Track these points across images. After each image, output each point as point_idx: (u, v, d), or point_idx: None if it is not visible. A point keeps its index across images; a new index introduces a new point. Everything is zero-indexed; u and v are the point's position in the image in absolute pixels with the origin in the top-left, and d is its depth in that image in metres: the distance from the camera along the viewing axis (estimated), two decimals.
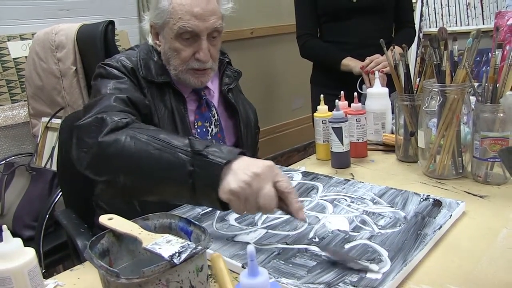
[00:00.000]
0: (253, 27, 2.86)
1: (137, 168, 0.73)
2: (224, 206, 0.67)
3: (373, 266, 0.62)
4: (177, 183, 0.69)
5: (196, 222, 0.59)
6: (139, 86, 0.98)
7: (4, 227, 0.55)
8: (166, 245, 0.51)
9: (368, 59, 1.51)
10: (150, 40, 1.06)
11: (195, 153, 0.67)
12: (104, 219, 0.59)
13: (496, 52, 0.89)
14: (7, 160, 1.78)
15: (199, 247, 0.51)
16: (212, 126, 1.08)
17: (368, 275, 0.60)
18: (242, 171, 0.64)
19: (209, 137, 1.07)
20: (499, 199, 0.85)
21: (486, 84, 0.89)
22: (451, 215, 0.75)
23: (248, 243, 0.72)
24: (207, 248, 0.53)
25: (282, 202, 0.66)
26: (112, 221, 0.59)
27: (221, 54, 1.11)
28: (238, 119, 1.13)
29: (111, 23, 1.53)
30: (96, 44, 1.52)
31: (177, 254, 0.49)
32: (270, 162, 0.66)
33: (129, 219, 0.60)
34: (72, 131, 0.84)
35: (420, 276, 0.62)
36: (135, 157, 0.73)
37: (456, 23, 2.73)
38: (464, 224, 0.76)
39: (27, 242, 0.57)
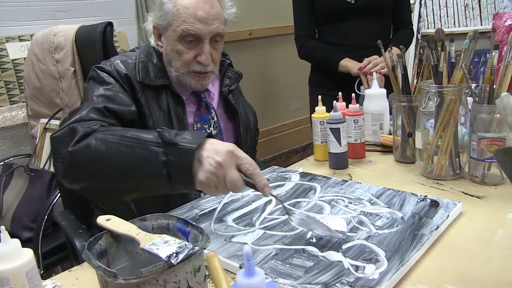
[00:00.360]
0: (251, 29, 2.87)
1: (112, 169, 0.75)
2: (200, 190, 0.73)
3: (336, 233, 0.70)
4: (153, 176, 0.72)
5: (194, 223, 0.59)
6: (132, 91, 0.98)
7: (2, 228, 0.55)
8: (164, 246, 0.52)
9: (366, 60, 1.51)
10: (152, 41, 1.07)
11: (166, 144, 0.71)
12: (102, 220, 0.59)
13: (493, 53, 0.89)
14: (6, 161, 1.78)
15: (197, 248, 0.51)
16: (211, 128, 1.08)
17: (365, 275, 0.60)
18: (207, 161, 0.69)
19: None
20: (496, 199, 0.85)
21: (483, 85, 0.89)
22: (448, 216, 0.76)
23: (245, 243, 0.72)
24: (205, 248, 0.53)
25: (249, 180, 0.71)
26: (110, 222, 0.59)
27: (222, 56, 1.11)
28: (238, 121, 1.13)
29: (110, 24, 1.53)
30: (95, 45, 1.52)
31: (174, 255, 0.49)
32: (231, 147, 0.70)
33: (126, 220, 0.60)
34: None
35: (417, 276, 0.62)
36: (108, 159, 0.75)
37: (454, 24, 2.74)
38: (461, 225, 0.77)
39: (25, 243, 0.58)
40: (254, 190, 0.72)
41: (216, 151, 0.70)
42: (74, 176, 0.80)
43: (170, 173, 0.71)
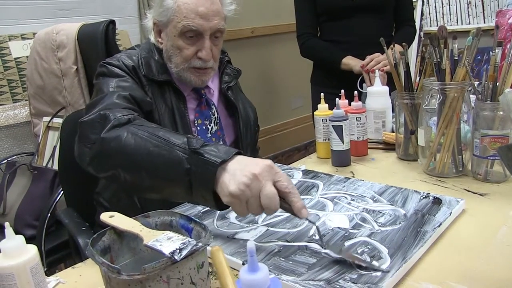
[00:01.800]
0: (253, 27, 2.87)
1: (136, 165, 0.73)
2: (220, 206, 0.66)
3: (375, 263, 0.62)
4: (175, 181, 0.68)
5: (197, 220, 0.59)
6: (141, 84, 0.99)
7: (7, 224, 0.56)
8: (167, 242, 0.52)
9: (368, 58, 1.51)
10: (152, 38, 1.07)
11: (192, 151, 0.67)
12: (105, 216, 0.60)
13: (496, 50, 0.89)
14: (9, 159, 1.79)
15: (200, 244, 0.51)
16: (212, 124, 1.09)
17: (368, 272, 0.60)
18: (241, 172, 0.62)
19: (209, 135, 1.08)
20: (498, 197, 0.85)
21: (486, 82, 0.89)
22: (451, 213, 0.76)
23: (248, 240, 0.72)
24: (208, 245, 0.53)
25: (284, 201, 0.64)
26: (113, 218, 0.59)
27: (221, 53, 1.12)
28: (238, 117, 1.14)
29: (112, 22, 1.54)
30: (97, 43, 1.53)
31: (178, 251, 0.49)
32: (268, 161, 0.64)
33: (130, 217, 0.61)
34: (65, 135, 0.84)
35: (420, 273, 0.62)
36: (135, 154, 0.73)
37: (457, 21, 2.73)
38: (464, 222, 0.77)
39: (29, 241, 0.58)
40: (287, 212, 0.65)
41: (251, 163, 0.64)
42: (101, 164, 0.79)
43: (191, 182, 0.66)
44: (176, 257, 0.49)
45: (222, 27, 1.02)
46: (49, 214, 1.41)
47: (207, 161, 0.65)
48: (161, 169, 0.70)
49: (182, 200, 0.76)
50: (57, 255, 1.47)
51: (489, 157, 0.90)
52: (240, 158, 0.66)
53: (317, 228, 0.68)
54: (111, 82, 0.95)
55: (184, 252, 0.49)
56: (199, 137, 0.72)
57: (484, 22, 2.63)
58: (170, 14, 0.99)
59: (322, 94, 1.17)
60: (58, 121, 1.74)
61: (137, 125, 0.78)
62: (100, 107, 0.85)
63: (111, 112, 0.82)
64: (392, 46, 1.11)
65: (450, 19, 2.74)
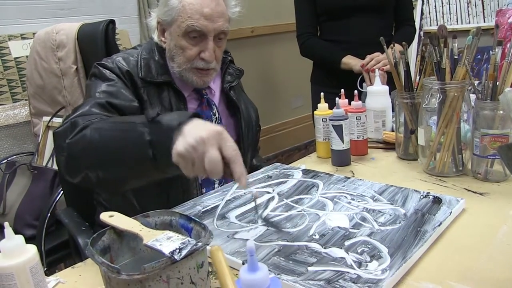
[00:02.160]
0: (253, 26, 2.86)
1: (105, 156, 0.74)
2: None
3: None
4: (141, 158, 0.69)
5: (197, 219, 0.59)
6: (134, 87, 0.99)
7: (6, 224, 0.55)
8: (167, 242, 0.52)
9: (368, 57, 1.51)
10: (155, 37, 1.07)
11: (150, 122, 0.68)
12: (105, 216, 0.60)
13: (496, 50, 0.89)
14: (9, 159, 1.78)
15: (200, 244, 0.51)
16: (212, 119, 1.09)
17: (368, 272, 0.60)
18: (190, 135, 0.64)
19: None
20: (499, 196, 0.85)
21: (486, 81, 0.89)
22: (451, 212, 0.76)
23: (248, 240, 0.72)
24: (208, 244, 0.53)
25: (228, 168, 0.65)
26: (113, 218, 0.59)
27: (224, 53, 1.12)
28: (239, 117, 1.14)
29: (112, 22, 1.53)
30: (97, 43, 1.52)
31: (177, 251, 0.49)
32: (219, 128, 0.66)
33: (129, 216, 0.61)
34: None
35: (420, 272, 0.62)
36: (102, 146, 0.74)
37: (457, 21, 2.73)
38: (464, 221, 0.77)
39: (28, 241, 0.58)
40: (229, 177, 0.67)
41: (202, 127, 0.65)
42: (73, 168, 0.80)
43: (154, 153, 0.67)
44: (176, 257, 0.49)
45: (226, 29, 1.02)
46: (49, 214, 1.41)
47: (165, 127, 0.67)
48: (127, 151, 0.71)
49: (155, 175, 0.74)
50: (57, 255, 1.47)
51: (489, 157, 0.90)
52: (196, 122, 0.67)
53: (255, 202, 0.74)
54: (100, 86, 0.96)
55: (184, 252, 0.49)
56: (154, 109, 0.73)
57: (484, 22, 2.63)
58: (175, 13, 0.99)
59: (322, 94, 1.16)
60: (58, 120, 1.74)
61: (100, 121, 0.79)
62: (73, 115, 0.87)
63: (81, 118, 0.83)
64: (392, 45, 1.11)
65: (450, 18, 2.74)
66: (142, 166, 0.70)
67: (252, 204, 0.86)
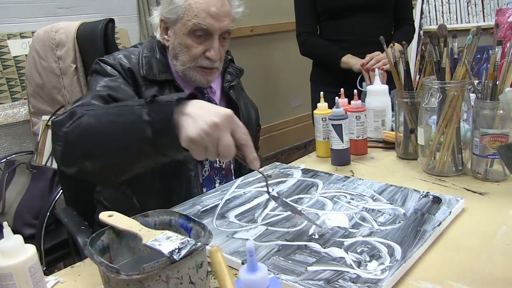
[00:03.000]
0: (253, 25, 2.86)
1: (103, 142, 0.72)
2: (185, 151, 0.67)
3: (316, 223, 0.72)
4: (140, 140, 0.67)
5: (196, 219, 0.59)
6: (135, 85, 0.99)
7: (5, 223, 0.55)
8: (166, 242, 0.52)
9: (368, 57, 1.51)
10: (158, 35, 1.07)
11: (148, 102, 0.67)
12: (104, 216, 0.59)
13: (496, 49, 0.89)
14: (8, 158, 1.78)
15: (199, 244, 0.51)
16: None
17: (367, 272, 0.60)
18: (202, 119, 0.63)
19: None
20: (498, 196, 0.85)
21: (486, 81, 0.89)
22: (450, 212, 0.76)
23: (247, 239, 0.72)
24: (207, 244, 0.53)
25: (239, 151, 0.66)
26: (112, 218, 0.59)
27: None
28: (239, 116, 1.14)
29: (111, 21, 1.53)
30: (96, 42, 1.52)
31: (177, 251, 0.49)
32: (229, 111, 0.65)
33: (129, 216, 0.60)
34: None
35: (420, 272, 0.62)
36: (99, 131, 0.72)
37: (457, 20, 2.73)
38: (464, 221, 0.76)
39: (28, 240, 0.58)
40: (241, 161, 0.68)
41: (213, 111, 0.64)
42: (69, 158, 0.78)
43: (154, 133, 0.65)
44: (175, 257, 0.49)
45: (231, 29, 1.02)
46: (48, 213, 1.41)
47: (164, 104, 0.66)
48: (125, 134, 0.69)
49: (155, 158, 0.72)
50: (56, 254, 1.47)
51: (488, 156, 0.90)
52: (199, 102, 0.66)
53: (267, 181, 0.75)
54: (101, 81, 0.95)
55: (183, 252, 0.49)
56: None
57: (484, 21, 2.63)
58: (181, 12, 0.99)
59: (321, 93, 1.16)
60: None
61: (97, 108, 0.78)
62: (73, 105, 0.85)
63: (80, 108, 0.80)
64: (391, 44, 1.11)
65: (450, 17, 2.74)
66: (141, 148, 0.68)
67: (252, 204, 0.86)
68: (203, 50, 1.01)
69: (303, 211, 0.81)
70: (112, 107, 0.75)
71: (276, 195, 0.78)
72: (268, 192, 0.74)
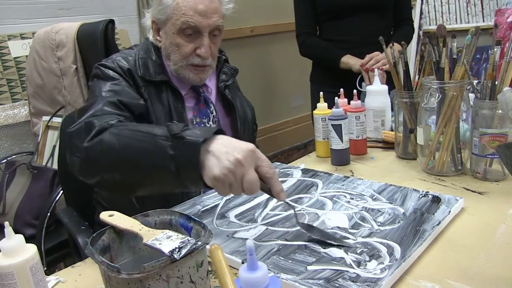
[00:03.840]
0: (253, 26, 2.86)
1: (123, 163, 0.74)
2: (208, 186, 0.68)
3: (349, 241, 0.69)
4: (162, 170, 0.69)
5: (196, 218, 0.59)
6: (136, 85, 1.00)
7: (7, 223, 0.56)
8: (166, 241, 0.52)
9: (367, 57, 1.51)
10: (150, 36, 1.08)
11: (173, 137, 0.68)
12: (105, 215, 0.60)
13: (495, 49, 0.89)
14: (8, 159, 1.79)
15: (199, 243, 0.51)
16: (210, 122, 1.10)
17: (367, 271, 0.61)
18: (225, 157, 0.64)
19: None
20: (497, 195, 0.85)
21: (485, 81, 0.89)
22: (450, 211, 0.76)
23: (247, 239, 0.72)
24: (207, 243, 0.53)
25: (264, 184, 0.67)
26: (113, 217, 0.59)
27: (218, 52, 1.14)
28: (235, 116, 1.14)
29: (111, 22, 1.54)
30: (97, 43, 1.53)
31: (177, 250, 0.49)
32: (251, 146, 0.66)
33: (128, 216, 0.61)
34: (65, 137, 0.85)
35: (419, 271, 0.63)
36: (120, 153, 0.74)
37: (456, 20, 2.73)
38: (463, 220, 0.77)
39: (28, 241, 0.58)
40: (268, 194, 0.69)
41: (236, 147, 0.65)
42: (89, 171, 0.80)
43: (178, 167, 0.67)
44: (175, 256, 0.49)
45: (221, 25, 1.03)
46: (48, 214, 1.41)
47: (189, 143, 0.67)
48: (147, 161, 0.71)
49: (175, 188, 0.75)
50: (57, 254, 1.47)
51: (488, 156, 0.90)
52: (222, 139, 0.67)
53: (295, 210, 0.74)
54: (104, 85, 0.96)
55: (184, 251, 0.49)
56: (177, 123, 0.72)
57: (483, 21, 2.63)
58: (169, 11, 1.00)
59: (321, 93, 1.17)
60: (58, 120, 1.74)
61: (119, 126, 0.79)
62: (87, 114, 0.86)
63: (96, 119, 0.82)
64: (391, 45, 1.11)
65: (449, 18, 2.74)
66: (162, 178, 0.71)
67: (252, 204, 0.86)
68: (194, 48, 1.02)
69: (303, 210, 0.82)
70: (134, 131, 0.75)
71: (306, 222, 0.77)
72: (298, 222, 0.73)
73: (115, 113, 0.88)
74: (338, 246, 0.68)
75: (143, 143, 0.72)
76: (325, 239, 0.70)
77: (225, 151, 0.65)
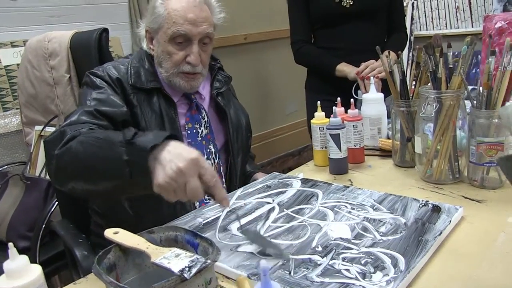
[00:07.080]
0: (246, 33, 2.87)
1: (88, 171, 0.76)
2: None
3: (286, 254, 0.69)
4: (119, 176, 0.70)
5: (203, 235, 0.59)
6: (123, 93, 1.02)
7: (10, 245, 0.55)
8: (175, 260, 0.52)
9: (363, 65, 1.52)
10: (144, 45, 1.12)
11: (127, 143, 0.70)
12: (109, 233, 0.59)
13: (490, 59, 0.90)
14: (0, 169, 1.76)
15: (209, 261, 0.51)
16: (202, 128, 1.12)
17: (373, 283, 0.61)
18: (169, 165, 0.66)
19: (199, 138, 1.12)
20: (495, 203, 0.86)
21: (481, 90, 0.90)
22: (450, 221, 0.77)
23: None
24: (216, 261, 0.53)
25: (209, 190, 0.69)
26: (118, 235, 0.59)
27: (213, 60, 1.17)
28: (227, 123, 1.16)
29: (105, 30, 1.52)
30: (90, 52, 1.51)
31: (187, 269, 0.49)
32: (194, 154, 0.68)
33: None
34: (44, 146, 0.88)
35: (423, 282, 0.63)
36: (84, 161, 0.76)
37: (446, 26, 2.77)
38: (463, 229, 0.78)
39: (22, 253, 0.57)
40: (212, 200, 0.72)
41: (180, 156, 0.67)
42: (60, 178, 0.82)
43: (132, 171, 0.69)
44: (185, 275, 0.49)
45: (211, 33, 1.06)
46: (43, 225, 1.39)
47: (140, 148, 0.68)
48: (107, 168, 0.72)
49: (136, 192, 0.77)
50: (52, 267, 1.45)
51: (485, 164, 0.91)
52: (170, 146, 0.69)
53: (239, 219, 0.79)
54: (90, 94, 0.99)
55: (194, 270, 0.49)
56: (131, 128, 0.75)
57: (472, 26, 2.67)
58: (161, 20, 1.03)
59: (318, 102, 1.17)
60: (51, 130, 1.72)
61: (86, 134, 0.81)
62: (64, 124, 0.89)
63: (69, 128, 0.85)
64: (387, 53, 1.12)
65: (439, 23, 2.79)
66: (123, 183, 0.72)
67: (254, 216, 0.87)
68: (184, 56, 1.04)
69: (305, 222, 0.82)
70: (96, 138, 0.77)
71: (247, 229, 0.80)
72: (240, 228, 0.78)
73: (90, 122, 0.91)
74: (342, 258, 0.68)
75: (103, 150, 0.74)
76: (267, 247, 0.72)
77: (169, 159, 0.67)
